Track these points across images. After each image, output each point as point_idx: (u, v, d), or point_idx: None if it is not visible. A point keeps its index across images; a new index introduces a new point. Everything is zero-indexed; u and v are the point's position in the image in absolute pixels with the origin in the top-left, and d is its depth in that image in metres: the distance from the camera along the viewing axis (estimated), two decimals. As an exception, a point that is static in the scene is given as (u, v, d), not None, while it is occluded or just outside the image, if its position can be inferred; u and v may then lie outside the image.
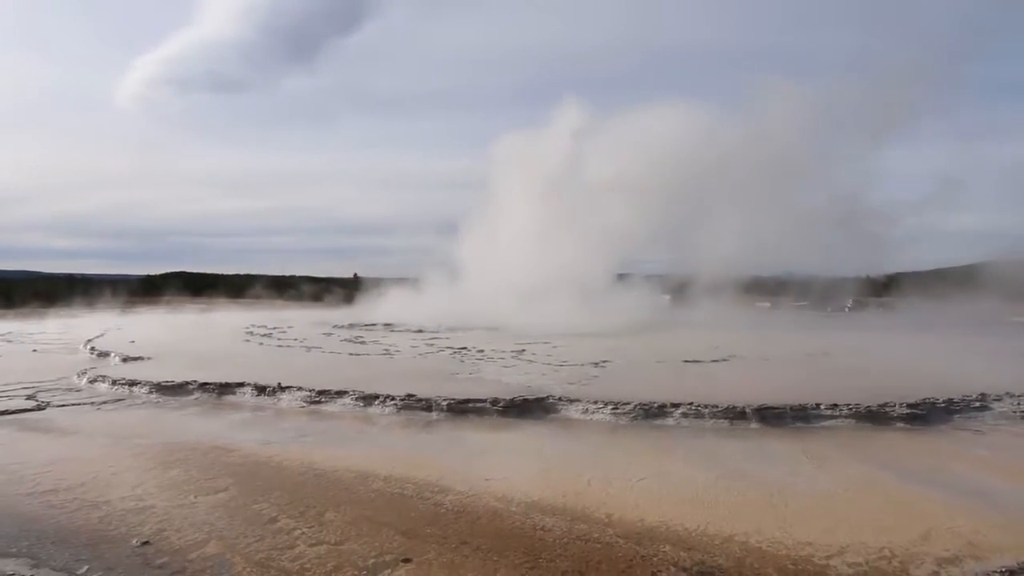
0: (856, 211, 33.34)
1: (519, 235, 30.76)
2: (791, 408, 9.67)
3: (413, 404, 10.48)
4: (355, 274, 61.37)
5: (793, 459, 7.80)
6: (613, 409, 9.91)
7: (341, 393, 11.08)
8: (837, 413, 9.60)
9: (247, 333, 22.96)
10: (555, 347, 18.32)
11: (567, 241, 29.43)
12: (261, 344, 19.63)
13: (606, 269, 30.81)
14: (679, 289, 35.56)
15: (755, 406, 9.64)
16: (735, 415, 9.53)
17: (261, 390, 11.65)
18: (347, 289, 52.14)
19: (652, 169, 31.46)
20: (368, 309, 36.81)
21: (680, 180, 31.50)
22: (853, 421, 9.44)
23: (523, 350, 17.41)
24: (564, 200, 30.62)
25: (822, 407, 9.72)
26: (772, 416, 9.53)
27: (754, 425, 9.36)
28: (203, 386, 12.03)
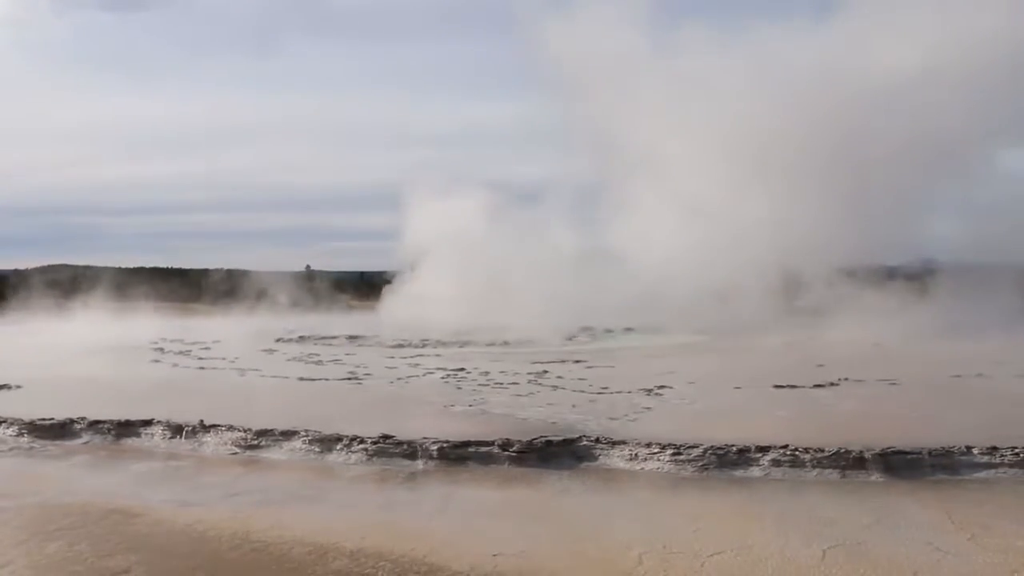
0: None
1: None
2: (930, 453, 9.64)
3: (390, 449, 10.55)
4: (307, 267, 61.54)
5: (934, 526, 7.77)
6: (674, 454, 9.93)
7: (289, 434, 11.18)
8: (997, 460, 9.55)
9: (156, 351, 23.12)
10: (589, 367, 18.47)
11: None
12: (175, 366, 19.76)
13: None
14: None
15: (877, 450, 9.62)
16: (849, 463, 9.52)
17: (176, 430, 11.77)
18: (296, 287, 52.37)
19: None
20: (327, 316, 36.77)
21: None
22: (1020, 472, 9.39)
23: (544, 371, 17.59)
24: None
25: (975, 451, 9.69)
26: (902, 464, 9.50)
27: (876, 477, 9.36)
28: (94, 425, 12.16)
